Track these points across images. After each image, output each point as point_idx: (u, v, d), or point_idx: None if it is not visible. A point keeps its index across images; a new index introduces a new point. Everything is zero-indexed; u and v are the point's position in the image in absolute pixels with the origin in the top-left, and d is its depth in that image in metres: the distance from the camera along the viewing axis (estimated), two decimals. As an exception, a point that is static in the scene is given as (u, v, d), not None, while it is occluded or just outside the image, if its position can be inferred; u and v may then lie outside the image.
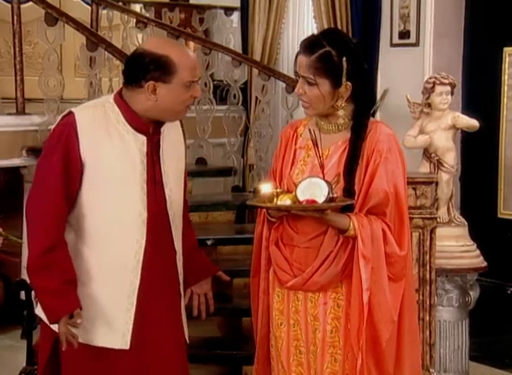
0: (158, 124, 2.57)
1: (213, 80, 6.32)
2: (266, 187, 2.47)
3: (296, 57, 2.51)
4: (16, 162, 5.12)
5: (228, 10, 7.08)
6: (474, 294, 3.90)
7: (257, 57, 6.30)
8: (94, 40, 5.14)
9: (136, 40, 6.38)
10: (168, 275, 2.63)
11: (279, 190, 2.48)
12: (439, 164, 3.85)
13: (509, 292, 5.02)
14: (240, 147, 6.17)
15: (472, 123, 3.86)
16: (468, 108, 4.62)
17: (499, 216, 5.01)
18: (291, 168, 2.57)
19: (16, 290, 4.04)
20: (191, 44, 6.52)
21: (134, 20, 6.33)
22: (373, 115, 5.46)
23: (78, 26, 5.17)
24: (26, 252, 2.51)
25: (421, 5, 5.16)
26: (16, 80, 5.18)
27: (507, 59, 4.77)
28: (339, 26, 5.51)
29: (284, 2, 6.11)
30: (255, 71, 5.96)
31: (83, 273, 2.51)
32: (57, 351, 2.55)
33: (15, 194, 5.25)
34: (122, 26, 6.51)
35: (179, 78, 2.46)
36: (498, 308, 4.82)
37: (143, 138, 2.53)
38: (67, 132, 2.47)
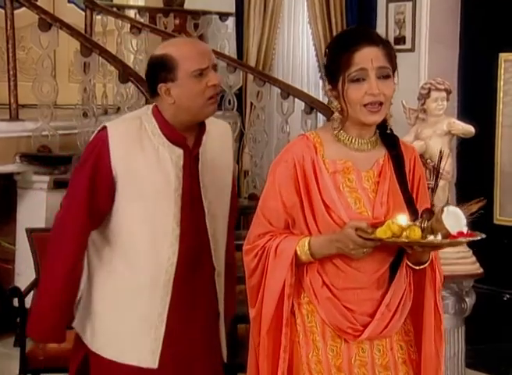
0: (199, 135, 2.47)
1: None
2: (403, 219, 2.04)
3: (353, 53, 2.09)
4: (9, 168, 5.08)
5: (223, 15, 7.07)
6: (470, 300, 3.87)
7: (252, 62, 6.28)
8: (88, 45, 5.12)
9: (131, 45, 6.35)
10: (204, 293, 2.52)
11: (408, 223, 2.04)
12: (434, 170, 3.83)
13: (505, 299, 5.00)
14: (235, 153, 6.14)
15: (468, 128, 3.84)
16: (464, 114, 4.61)
17: (495, 222, 4.99)
18: (339, 198, 2.13)
19: (8, 297, 4.01)
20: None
21: (129, 26, 6.31)
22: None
23: (72, 31, 5.16)
24: (50, 261, 2.50)
25: (417, 10, 5.15)
26: (9, 86, 5.17)
27: (503, 65, 4.76)
28: (335, 32, 5.50)
29: (279, 8, 6.10)
30: (250, 77, 5.94)
31: (115, 288, 2.47)
32: (86, 364, 2.52)
33: (8, 201, 5.22)
34: (117, 32, 6.49)
35: (183, 71, 2.36)
36: (494, 315, 4.80)
37: (179, 151, 2.44)
38: (99, 147, 2.41)
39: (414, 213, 2.12)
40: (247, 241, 2.23)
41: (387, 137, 2.21)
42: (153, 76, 2.40)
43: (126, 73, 4.99)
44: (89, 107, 5.46)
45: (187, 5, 7.59)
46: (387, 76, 2.13)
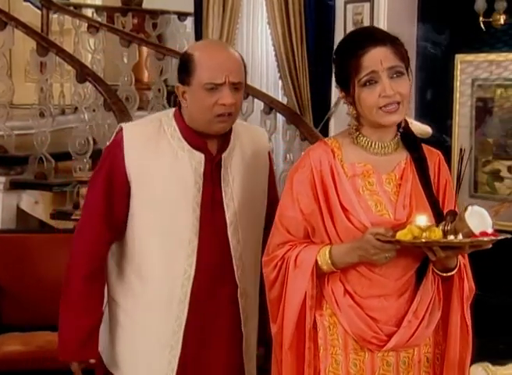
0: (223, 139, 2.28)
1: (167, 86, 6.27)
2: (423, 220, 1.95)
3: (361, 56, 2.01)
4: (-36, 169, 5.00)
5: (181, 15, 7.05)
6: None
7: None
8: (45, 44, 5.07)
9: (88, 45, 6.31)
10: (225, 313, 2.31)
11: (427, 224, 1.95)
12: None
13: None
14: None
15: (425, 129, 3.86)
16: (421, 115, 4.65)
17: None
18: (359, 201, 2.05)
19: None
20: (144, 49, 6.46)
21: (86, 25, 6.24)
22: (327, 121, 5.48)
23: (28, 30, 5.10)
24: (67, 270, 2.33)
25: (374, 11, 5.18)
26: (-37, 86, 5.08)
27: (459, 66, 4.81)
28: (293, 33, 5.51)
29: (238, 8, 6.09)
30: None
31: (132, 304, 2.31)
32: None
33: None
34: (74, 31, 6.43)
35: (198, 79, 2.18)
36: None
37: (200, 156, 2.25)
38: (113, 150, 2.26)
39: (439, 216, 2.03)
40: (266, 251, 2.14)
41: (409, 140, 2.14)
42: (178, 73, 2.26)
43: (83, 73, 4.94)
44: (46, 107, 5.40)
45: (145, 5, 7.55)
46: (400, 75, 2.03)
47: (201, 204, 2.24)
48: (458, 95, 4.84)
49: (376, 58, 2.00)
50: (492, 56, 4.73)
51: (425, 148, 2.17)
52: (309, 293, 2.05)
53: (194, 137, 2.25)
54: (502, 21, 4.56)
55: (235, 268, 2.29)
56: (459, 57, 4.82)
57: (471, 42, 4.75)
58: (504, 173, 4.70)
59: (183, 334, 2.26)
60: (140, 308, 2.30)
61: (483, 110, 4.81)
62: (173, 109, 2.33)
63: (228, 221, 2.28)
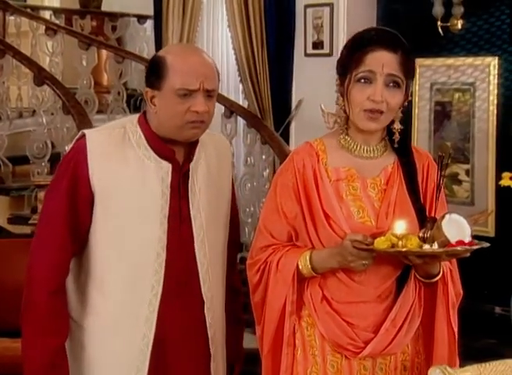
0: (190, 148, 2.17)
1: (126, 89, 6.23)
2: (400, 228, 1.91)
3: (367, 53, 1.98)
4: None
5: (141, 18, 7.01)
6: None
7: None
8: (1, 47, 5.00)
9: (46, 47, 6.23)
10: (193, 330, 2.20)
11: (403, 232, 1.90)
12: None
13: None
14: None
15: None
16: (381, 118, 4.68)
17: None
18: (341, 207, 2.01)
19: None
20: (103, 52, 6.41)
21: (44, 27, 6.17)
22: (288, 125, 5.49)
23: (-16, 32, 5.01)
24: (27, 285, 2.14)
25: (334, 16, 5.21)
26: None
27: (418, 70, 4.85)
28: (254, 36, 5.51)
29: (198, 11, 6.07)
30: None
31: (90, 323, 2.16)
32: None
33: None
34: (31, 33, 6.34)
35: (169, 84, 2.06)
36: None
37: (167, 166, 2.14)
38: (76, 158, 2.11)
39: (424, 224, 1.97)
40: (250, 254, 2.11)
41: (398, 143, 2.07)
42: (146, 77, 2.14)
43: (41, 76, 4.88)
44: (3, 110, 5.33)
45: (104, 7, 7.50)
46: (396, 86, 1.99)
47: (168, 216, 2.14)
48: (417, 99, 4.89)
49: (380, 60, 1.97)
50: (451, 60, 4.79)
51: (414, 149, 2.13)
52: (289, 298, 2.03)
53: (161, 146, 2.14)
54: (459, 26, 4.62)
55: (201, 282, 2.19)
56: (418, 61, 4.86)
57: (429, 46, 4.80)
58: (462, 176, 4.76)
59: (150, 354, 2.14)
60: (102, 328, 2.16)
61: (441, 114, 4.87)
62: (137, 115, 2.21)
63: (195, 234, 2.18)
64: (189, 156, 2.18)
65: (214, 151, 2.26)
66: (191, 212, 2.17)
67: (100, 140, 2.14)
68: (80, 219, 2.12)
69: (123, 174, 2.12)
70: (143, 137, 2.15)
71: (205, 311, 2.20)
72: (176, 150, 2.16)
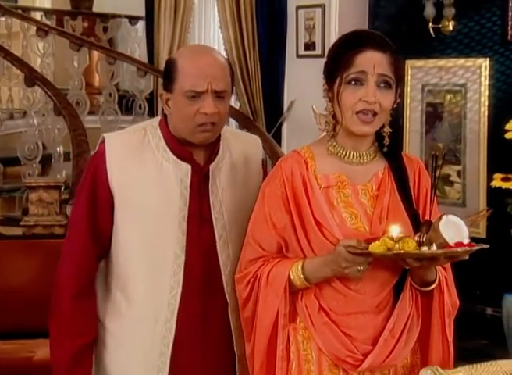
0: (211, 149, 2.17)
1: (118, 90, 6.22)
2: (396, 231, 1.87)
3: (356, 54, 1.94)
4: None
5: (132, 19, 7.00)
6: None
7: (162, 67, 6.21)
8: (-8, 48, 4.97)
9: (37, 48, 6.21)
10: (216, 331, 2.18)
11: (400, 235, 1.86)
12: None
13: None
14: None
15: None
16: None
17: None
18: (333, 214, 1.97)
19: None
20: (95, 53, 6.40)
21: (35, 28, 6.15)
22: (280, 126, 5.49)
23: (-26, 33, 4.99)
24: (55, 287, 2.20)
25: (326, 17, 5.21)
26: None
27: (409, 71, 4.86)
28: (245, 37, 5.51)
29: (189, 12, 6.07)
30: (161, 81, 5.87)
31: (115, 325, 2.19)
32: None
33: None
34: (22, 34, 6.32)
35: (179, 86, 2.09)
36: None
37: (186, 167, 2.14)
38: (95, 163, 2.16)
39: (418, 229, 1.93)
40: (239, 267, 2.06)
41: (388, 147, 2.02)
42: (163, 80, 2.19)
43: (32, 77, 4.86)
44: (-7, 111, 5.30)
45: (96, 8, 7.48)
46: (388, 86, 1.95)
47: (188, 217, 2.14)
48: (409, 101, 4.90)
49: (371, 60, 1.93)
50: (442, 62, 4.80)
51: (404, 156, 2.09)
52: (281, 311, 1.97)
53: (179, 147, 2.15)
54: (451, 27, 4.63)
55: (224, 284, 2.17)
56: (409, 63, 4.87)
57: (420, 48, 4.81)
58: (454, 177, 4.76)
59: (170, 355, 2.15)
60: (125, 329, 2.19)
61: (433, 115, 4.88)
62: (159, 118, 2.24)
63: (217, 235, 2.16)
64: (210, 157, 2.18)
65: (241, 152, 2.25)
66: (212, 213, 2.16)
67: (118, 143, 2.18)
68: (101, 222, 2.15)
69: (141, 176, 2.13)
70: (162, 139, 2.17)
71: (229, 312, 2.17)
72: (195, 151, 2.16)
